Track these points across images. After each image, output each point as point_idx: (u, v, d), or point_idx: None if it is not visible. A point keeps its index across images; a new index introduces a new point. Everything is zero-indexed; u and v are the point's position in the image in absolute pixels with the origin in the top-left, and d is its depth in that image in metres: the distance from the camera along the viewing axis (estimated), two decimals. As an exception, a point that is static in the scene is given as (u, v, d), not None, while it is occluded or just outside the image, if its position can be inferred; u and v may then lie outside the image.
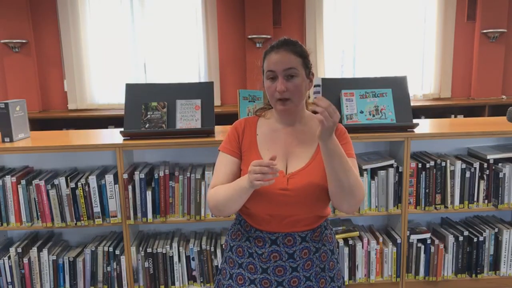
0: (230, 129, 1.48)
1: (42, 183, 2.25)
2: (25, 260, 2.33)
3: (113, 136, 2.53)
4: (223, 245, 1.52)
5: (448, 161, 2.36)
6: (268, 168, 1.18)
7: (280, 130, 1.43)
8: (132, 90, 2.41)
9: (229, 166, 1.41)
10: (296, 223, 1.38)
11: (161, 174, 2.28)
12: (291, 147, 1.41)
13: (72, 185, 2.26)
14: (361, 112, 2.35)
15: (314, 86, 1.44)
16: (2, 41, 4.89)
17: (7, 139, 2.31)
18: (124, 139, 2.31)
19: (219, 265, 2.37)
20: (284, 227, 1.38)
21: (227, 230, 2.51)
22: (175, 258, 2.37)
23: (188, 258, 2.38)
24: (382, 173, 2.36)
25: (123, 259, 2.35)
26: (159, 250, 2.36)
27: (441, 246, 2.43)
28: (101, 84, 5.26)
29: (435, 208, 2.40)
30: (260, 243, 1.40)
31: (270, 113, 1.48)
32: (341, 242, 2.42)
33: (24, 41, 4.92)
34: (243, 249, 1.43)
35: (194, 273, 2.40)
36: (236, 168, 1.42)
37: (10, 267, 2.34)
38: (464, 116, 5.06)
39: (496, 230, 2.46)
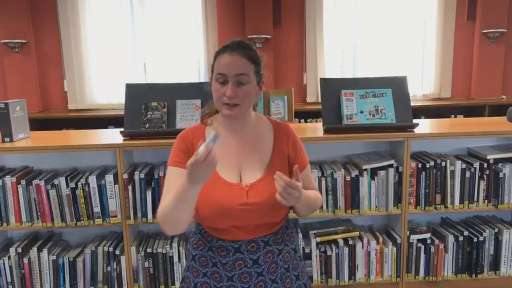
0: (176, 142, 1.42)
1: (42, 183, 2.25)
2: (25, 260, 2.33)
3: (113, 136, 2.53)
4: (185, 253, 1.48)
5: (448, 161, 2.36)
6: (202, 155, 1.12)
7: (229, 138, 1.38)
8: (132, 90, 2.41)
9: (181, 180, 1.25)
10: (258, 229, 1.37)
11: (161, 174, 2.28)
12: (243, 155, 1.38)
13: (72, 185, 2.26)
14: (361, 112, 2.34)
15: (210, 139, 1.15)
16: (2, 41, 4.89)
17: (7, 139, 2.31)
18: (124, 139, 2.31)
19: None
20: (246, 234, 1.36)
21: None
22: (175, 258, 2.37)
23: (188, 258, 2.38)
24: (382, 173, 2.36)
25: (123, 259, 2.35)
26: (159, 250, 2.36)
27: (441, 246, 2.43)
28: (101, 84, 5.26)
29: (435, 208, 2.40)
30: (223, 252, 1.37)
31: (216, 121, 1.42)
32: (341, 242, 2.42)
33: (24, 41, 4.92)
34: (206, 258, 1.40)
35: (194, 273, 2.40)
36: None
37: (10, 267, 2.34)
38: (464, 116, 5.05)
39: (496, 230, 2.46)
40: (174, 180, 1.31)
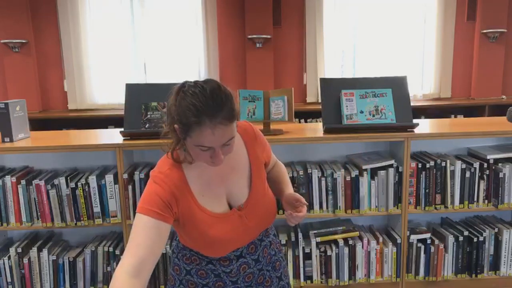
0: (153, 187, 1.20)
1: (42, 183, 2.25)
2: (25, 260, 2.33)
3: (113, 136, 2.52)
4: (173, 268, 1.41)
5: (448, 161, 2.36)
6: None
7: (208, 168, 1.23)
8: (132, 90, 2.41)
9: (160, 235, 1.16)
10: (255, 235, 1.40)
11: (161, 174, 2.28)
12: (226, 178, 1.29)
13: (72, 185, 2.26)
14: (361, 112, 2.34)
15: None
16: (2, 41, 4.89)
17: (7, 139, 2.30)
18: (124, 139, 2.31)
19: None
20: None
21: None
22: (175, 258, 2.37)
23: (188, 258, 2.38)
24: (382, 173, 2.36)
25: (123, 259, 2.35)
26: (159, 250, 2.36)
27: (441, 246, 2.43)
28: (101, 84, 5.25)
29: (435, 208, 2.40)
30: (226, 262, 1.33)
31: (181, 155, 1.25)
32: (341, 242, 2.42)
33: (24, 41, 4.92)
34: (206, 271, 1.34)
35: (194, 273, 2.40)
36: (167, 234, 1.19)
37: (10, 267, 2.34)
38: (464, 116, 5.05)
39: (496, 230, 2.46)
40: (144, 232, 1.14)
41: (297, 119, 4.62)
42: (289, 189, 1.47)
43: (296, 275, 2.43)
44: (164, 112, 2.35)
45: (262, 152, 1.39)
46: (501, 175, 2.36)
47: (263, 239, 1.41)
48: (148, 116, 2.35)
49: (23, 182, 2.25)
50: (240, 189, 1.31)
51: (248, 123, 1.39)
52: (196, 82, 1.15)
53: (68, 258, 2.36)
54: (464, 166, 2.36)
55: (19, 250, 2.34)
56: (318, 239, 2.42)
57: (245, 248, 1.36)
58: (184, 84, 1.17)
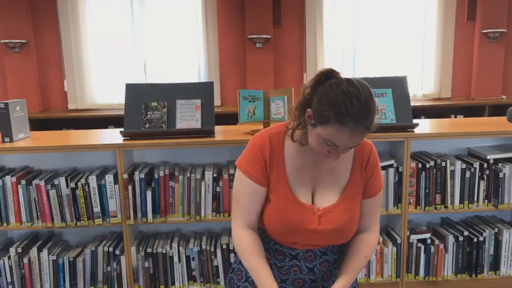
0: (253, 148, 1.30)
1: (42, 183, 2.25)
2: (25, 260, 2.33)
3: (113, 136, 2.53)
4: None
5: (448, 161, 2.36)
6: None
7: (308, 154, 1.29)
8: (132, 90, 2.41)
9: (260, 198, 1.29)
10: (319, 246, 1.34)
11: (161, 174, 2.28)
12: (320, 174, 1.30)
13: (72, 185, 2.26)
14: (361, 112, 2.34)
15: None
16: (2, 41, 4.89)
17: (7, 139, 2.31)
18: (124, 139, 2.31)
19: (219, 265, 2.37)
20: (305, 246, 1.33)
21: (227, 230, 2.50)
22: (175, 258, 2.37)
23: (188, 258, 2.38)
24: (382, 173, 2.35)
25: (123, 259, 2.35)
26: (159, 250, 2.36)
27: (441, 246, 2.43)
28: (101, 84, 5.26)
29: (435, 208, 2.40)
30: (280, 256, 1.35)
31: (297, 134, 1.29)
32: (341, 242, 2.42)
33: (24, 41, 4.92)
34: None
35: (194, 273, 2.40)
36: (264, 198, 1.30)
37: (10, 267, 2.33)
38: (464, 116, 5.05)
39: (496, 230, 2.45)
40: (246, 191, 1.29)
41: (297, 119, 4.61)
42: (345, 276, 1.31)
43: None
44: (164, 112, 2.36)
45: (367, 177, 1.34)
46: (501, 175, 2.36)
47: (326, 253, 1.36)
48: (148, 116, 2.35)
49: (23, 182, 2.25)
50: (328, 193, 1.30)
51: (372, 145, 1.37)
52: (350, 80, 1.16)
53: (68, 258, 2.36)
54: (464, 166, 2.36)
55: (19, 250, 2.34)
56: (318, 239, 2.42)
57: (302, 252, 1.32)
58: (334, 74, 1.18)
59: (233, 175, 2.25)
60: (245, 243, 1.29)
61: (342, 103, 1.10)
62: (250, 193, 1.28)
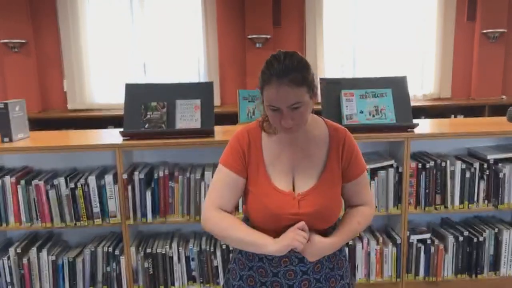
0: (232, 142, 1.39)
1: (41, 183, 2.25)
2: (25, 261, 2.33)
3: (112, 136, 2.52)
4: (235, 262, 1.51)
5: (448, 161, 2.36)
6: (306, 234, 1.27)
7: (284, 143, 1.36)
8: (132, 90, 2.41)
9: (235, 187, 1.35)
10: None
11: (161, 174, 2.28)
12: (297, 161, 1.36)
13: (72, 185, 2.25)
14: (361, 112, 2.34)
15: None
16: (2, 41, 4.88)
17: (6, 139, 2.30)
18: (123, 139, 2.30)
19: (218, 266, 2.37)
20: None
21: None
22: (175, 259, 2.37)
23: (187, 258, 2.38)
24: (382, 173, 2.35)
25: (122, 259, 2.35)
26: (159, 250, 2.36)
27: (441, 246, 2.42)
28: (101, 84, 5.26)
29: (435, 208, 2.39)
30: (286, 261, 1.37)
31: (268, 125, 1.37)
32: (341, 242, 2.42)
33: (24, 41, 4.91)
34: (252, 253, 1.40)
35: (193, 273, 2.40)
36: (242, 188, 1.37)
37: (10, 267, 2.33)
38: (464, 116, 5.05)
39: (496, 230, 2.45)
40: (229, 185, 1.35)
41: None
42: (336, 236, 1.38)
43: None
44: (164, 112, 2.35)
45: (346, 160, 1.37)
46: (501, 175, 2.36)
47: (308, 273, 1.38)
48: (148, 116, 2.34)
49: (22, 182, 2.25)
50: (307, 178, 1.35)
51: (346, 130, 1.42)
52: (279, 51, 1.27)
53: (68, 258, 2.36)
54: (464, 166, 2.36)
55: (19, 250, 2.34)
56: (318, 239, 2.41)
57: (282, 271, 1.37)
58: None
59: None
60: (220, 222, 1.33)
61: (265, 67, 1.25)
62: (225, 180, 1.36)
